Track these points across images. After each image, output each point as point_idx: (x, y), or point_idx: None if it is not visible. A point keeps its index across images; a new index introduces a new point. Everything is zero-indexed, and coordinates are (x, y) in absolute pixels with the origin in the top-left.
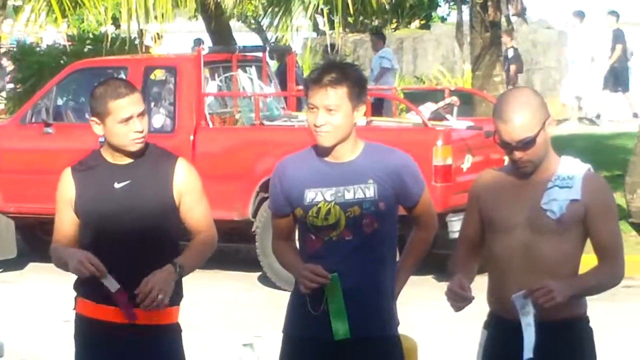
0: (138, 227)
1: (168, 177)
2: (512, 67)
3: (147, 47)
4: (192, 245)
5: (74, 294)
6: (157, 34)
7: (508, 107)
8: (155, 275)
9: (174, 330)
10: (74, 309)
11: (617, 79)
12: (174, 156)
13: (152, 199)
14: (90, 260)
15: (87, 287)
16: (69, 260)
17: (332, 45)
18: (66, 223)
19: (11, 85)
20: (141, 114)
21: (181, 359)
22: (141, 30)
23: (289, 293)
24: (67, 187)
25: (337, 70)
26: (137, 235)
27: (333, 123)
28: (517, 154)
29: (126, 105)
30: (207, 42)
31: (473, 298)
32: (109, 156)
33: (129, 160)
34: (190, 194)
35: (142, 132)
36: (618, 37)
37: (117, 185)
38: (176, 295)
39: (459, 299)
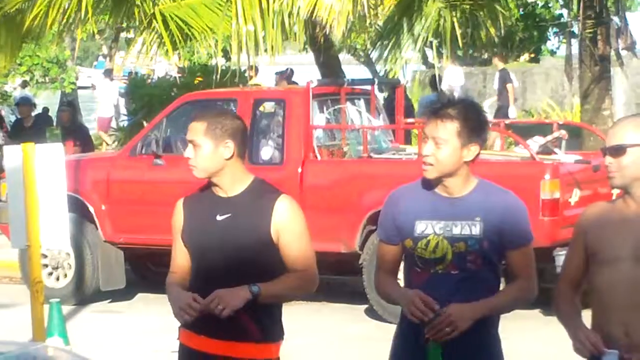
0: (236, 260)
1: (268, 213)
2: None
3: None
4: (282, 277)
5: (178, 323)
6: (253, 66)
7: (620, 119)
8: (225, 290)
9: None
10: (178, 338)
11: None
12: (277, 192)
13: (249, 234)
14: (192, 308)
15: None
16: (171, 304)
17: (440, 78)
18: (179, 253)
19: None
20: (193, 143)
21: None
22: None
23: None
24: (177, 217)
25: (454, 106)
26: (235, 268)
27: (437, 156)
28: (607, 159)
29: (189, 129)
30: (316, 75)
31: (604, 351)
32: (216, 188)
33: (233, 193)
34: (288, 232)
35: (188, 160)
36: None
37: (219, 218)
38: (279, 331)
39: (590, 352)
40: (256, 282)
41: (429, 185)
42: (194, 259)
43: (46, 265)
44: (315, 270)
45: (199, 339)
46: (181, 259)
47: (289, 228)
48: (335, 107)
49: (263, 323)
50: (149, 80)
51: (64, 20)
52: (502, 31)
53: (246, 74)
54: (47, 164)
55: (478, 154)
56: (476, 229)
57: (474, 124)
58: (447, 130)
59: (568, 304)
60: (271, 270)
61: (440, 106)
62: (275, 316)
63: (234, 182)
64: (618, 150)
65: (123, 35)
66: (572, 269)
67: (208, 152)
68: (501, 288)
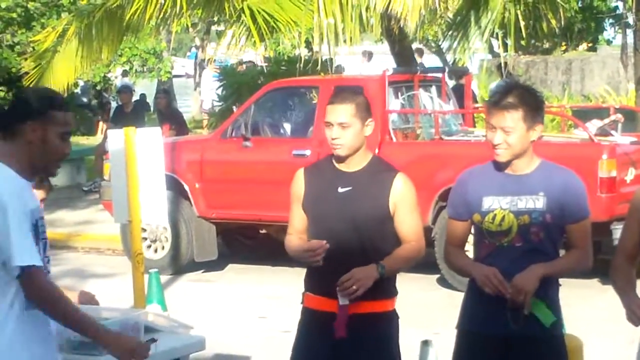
0: (354, 230)
1: (387, 188)
2: None
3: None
4: (398, 250)
5: (302, 290)
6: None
7: None
8: (359, 270)
9: (390, 317)
10: (302, 303)
11: None
12: (395, 170)
13: (370, 207)
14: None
15: (314, 282)
16: (297, 255)
17: (506, 65)
18: (296, 218)
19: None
20: (342, 125)
21: (393, 341)
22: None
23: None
24: (298, 186)
25: (514, 94)
26: (353, 239)
27: (508, 142)
28: None
29: (329, 112)
30: (391, 64)
31: None
32: (337, 162)
33: (354, 169)
34: (403, 207)
35: (335, 139)
36: None
37: (340, 190)
38: (393, 289)
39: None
40: (370, 250)
41: (497, 166)
42: (314, 225)
43: (145, 239)
44: (424, 241)
45: (321, 300)
46: (298, 223)
47: (404, 203)
48: (409, 93)
49: (380, 288)
50: (239, 69)
51: (161, 15)
52: (562, 22)
53: (328, 64)
54: (146, 146)
55: (541, 132)
56: (539, 203)
57: (534, 107)
58: (514, 118)
59: (624, 278)
60: (386, 241)
61: (499, 97)
62: (391, 280)
63: (358, 158)
64: None
65: (214, 28)
66: (628, 245)
67: (356, 131)
68: None
